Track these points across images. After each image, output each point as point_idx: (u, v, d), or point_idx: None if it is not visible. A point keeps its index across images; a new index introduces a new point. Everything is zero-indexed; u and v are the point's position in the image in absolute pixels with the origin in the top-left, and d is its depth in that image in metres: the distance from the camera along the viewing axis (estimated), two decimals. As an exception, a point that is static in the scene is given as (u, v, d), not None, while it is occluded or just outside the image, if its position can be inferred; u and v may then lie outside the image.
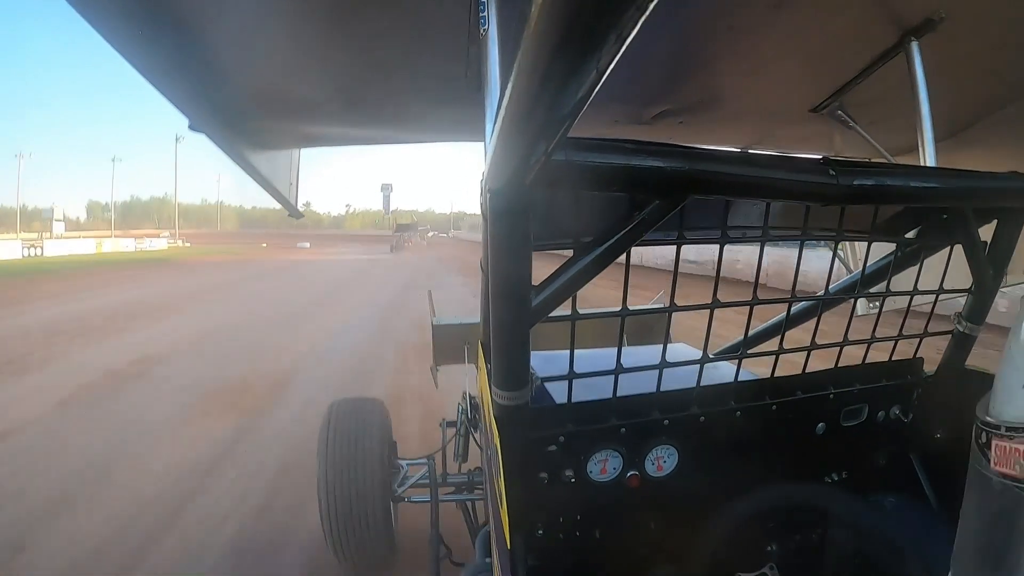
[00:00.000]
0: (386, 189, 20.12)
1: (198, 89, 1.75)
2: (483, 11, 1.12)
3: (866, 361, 1.60)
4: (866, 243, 1.42)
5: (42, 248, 34.50)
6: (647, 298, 3.65)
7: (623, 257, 1.06)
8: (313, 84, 1.87)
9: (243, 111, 1.98)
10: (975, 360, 1.62)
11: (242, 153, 2.09)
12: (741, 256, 14.31)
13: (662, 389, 1.39)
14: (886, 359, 1.64)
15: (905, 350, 1.64)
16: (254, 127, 2.11)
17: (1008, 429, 0.75)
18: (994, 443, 0.77)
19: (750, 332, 1.47)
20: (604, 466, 1.40)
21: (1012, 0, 1.39)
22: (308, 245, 51.77)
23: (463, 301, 13.18)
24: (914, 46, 1.46)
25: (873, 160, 1.84)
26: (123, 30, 1.40)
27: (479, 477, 2.85)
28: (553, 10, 0.39)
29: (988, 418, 0.79)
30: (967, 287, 1.49)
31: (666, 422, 1.42)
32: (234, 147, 2.04)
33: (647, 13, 0.38)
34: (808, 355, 1.50)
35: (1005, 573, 0.76)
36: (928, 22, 1.41)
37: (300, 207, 2.81)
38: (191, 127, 1.91)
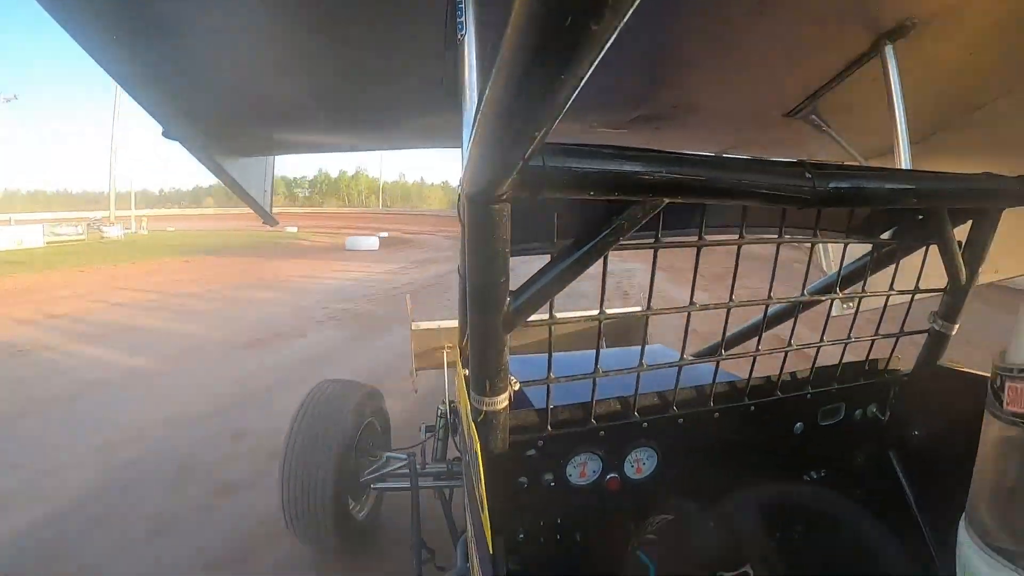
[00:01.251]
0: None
1: (172, 97, 1.73)
2: (460, 16, 1.12)
3: (843, 361, 1.62)
4: (842, 244, 1.43)
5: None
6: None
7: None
8: (288, 91, 1.85)
9: (217, 119, 1.96)
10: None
11: (216, 161, 2.08)
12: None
13: (641, 391, 1.39)
14: (863, 359, 1.66)
15: (883, 350, 1.66)
16: (228, 134, 2.09)
17: (1020, 371, 0.82)
18: (1008, 385, 0.83)
19: (727, 334, 1.48)
20: (583, 469, 1.40)
21: (985, 4, 1.41)
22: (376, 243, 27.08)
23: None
24: (888, 50, 1.48)
25: (849, 163, 1.86)
26: (97, 36, 1.38)
27: (458, 467, 2.84)
28: (531, 16, 0.38)
29: (1003, 363, 0.85)
30: (942, 287, 1.51)
31: (645, 424, 1.42)
32: (208, 154, 2.03)
33: (625, 19, 0.37)
34: (785, 356, 1.51)
35: (1019, 503, 0.83)
36: (902, 27, 1.42)
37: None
38: (165, 134, 1.89)
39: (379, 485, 3.03)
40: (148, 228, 41.32)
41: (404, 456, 2.95)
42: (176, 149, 1.98)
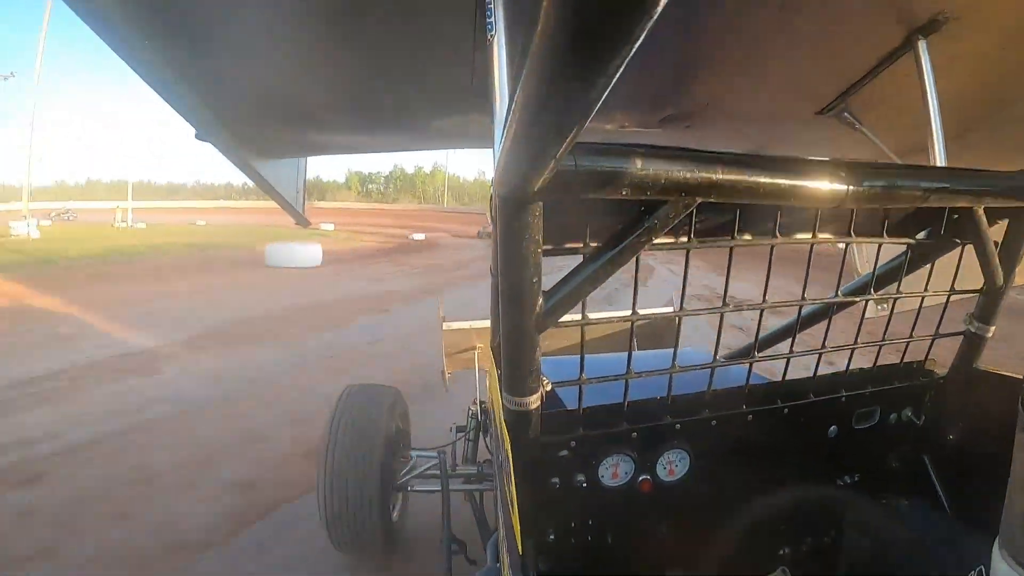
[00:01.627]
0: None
1: (204, 99, 1.76)
2: (490, 16, 1.12)
3: (878, 363, 1.59)
4: (876, 245, 1.41)
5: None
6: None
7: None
8: (319, 93, 1.87)
9: (249, 121, 1.99)
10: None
11: (248, 162, 2.11)
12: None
13: (673, 393, 1.38)
14: (898, 361, 1.63)
15: (919, 353, 1.63)
16: (260, 136, 2.12)
17: None
18: None
19: (761, 335, 1.47)
20: (616, 471, 1.39)
21: None
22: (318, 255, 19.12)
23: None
24: (921, 46, 1.46)
25: (882, 161, 1.84)
26: (129, 41, 1.41)
27: (488, 469, 2.84)
28: (561, 16, 0.39)
29: None
30: (978, 287, 1.48)
31: (677, 426, 1.42)
32: (240, 156, 2.06)
33: (655, 18, 0.37)
34: (819, 358, 1.49)
35: None
36: (934, 21, 1.40)
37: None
38: (197, 136, 1.92)
39: (415, 487, 3.01)
40: (130, 221, 35.32)
41: (434, 455, 2.94)
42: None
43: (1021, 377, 1.49)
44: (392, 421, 2.99)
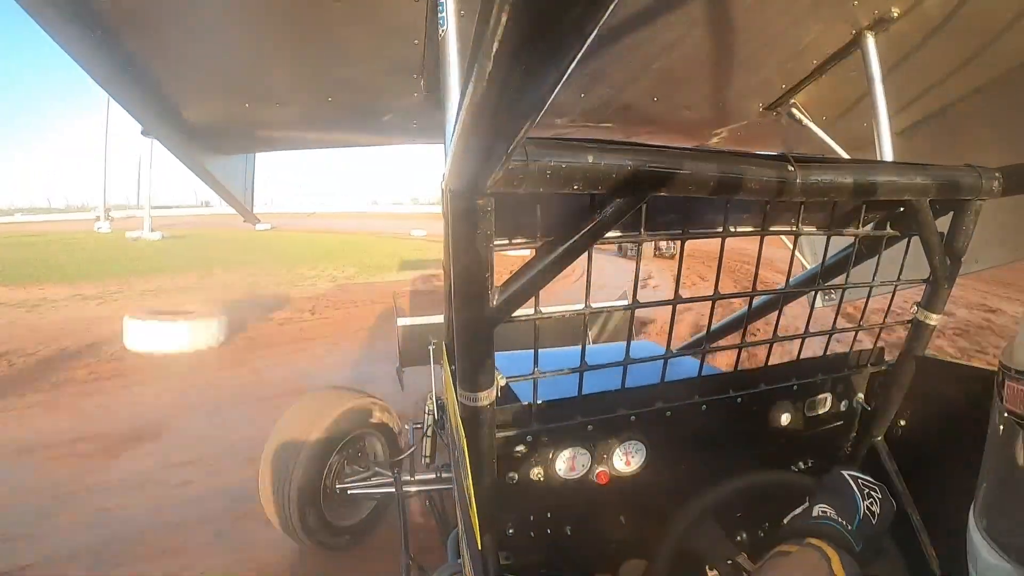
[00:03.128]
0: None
1: (150, 94, 1.71)
2: (441, 11, 1.11)
3: (827, 352, 1.63)
4: (824, 237, 1.44)
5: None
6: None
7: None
8: (268, 87, 1.84)
9: (195, 116, 1.95)
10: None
11: (196, 158, 2.06)
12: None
13: (628, 385, 1.39)
14: (847, 350, 1.67)
15: (868, 343, 1.67)
16: (207, 132, 2.07)
17: (1017, 372, 0.83)
18: (1006, 383, 0.85)
19: (712, 327, 1.49)
20: (572, 463, 1.40)
21: None
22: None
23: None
24: (869, 43, 1.49)
25: (829, 156, 1.88)
26: (74, 34, 1.36)
27: (447, 472, 2.86)
28: (512, 10, 0.38)
29: (1004, 361, 0.87)
30: (925, 277, 1.52)
31: (632, 418, 1.43)
32: (187, 152, 2.01)
33: (607, 13, 0.37)
34: (770, 348, 1.52)
35: (1015, 498, 0.85)
36: (881, 20, 1.43)
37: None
38: (143, 133, 1.87)
39: (358, 491, 3.12)
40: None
41: (389, 474, 3.02)
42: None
43: (967, 364, 1.54)
44: (348, 428, 3.09)
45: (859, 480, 1.24)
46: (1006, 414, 0.85)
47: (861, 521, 1.16)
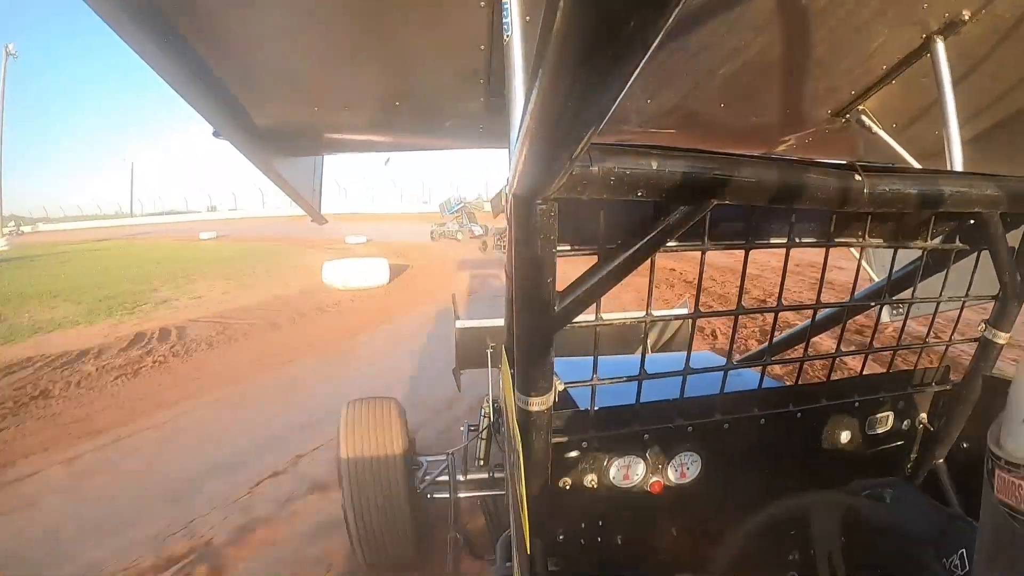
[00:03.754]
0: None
1: (222, 97, 1.77)
2: (506, 17, 1.13)
3: (891, 369, 1.58)
4: (892, 249, 1.41)
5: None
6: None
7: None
8: (336, 92, 1.88)
9: (267, 118, 2.00)
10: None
11: (266, 160, 2.12)
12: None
13: (686, 396, 1.38)
14: (912, 367, 1.62)
15: (935, 358, 1.62)
16: (278, 134, 2.13)
17: (1008, 463, 0.79)
18: (996, 472, 0.81)
19: (775, 339, 1.46)
20: (627, 472, 1.39)
21: None
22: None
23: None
24: (939, 48, 1.45)
25: (898, 165, 1.83)
26: (149, 39, 1.42)
27: (501, 474, 2.85)
28: (577, 16, 0.39)
29: (992, 447, 0.83)
30: (994, 293, 1.47)
31: (690, 429, 1.41)
32: (258, 154, 2.07)
33: (672, 18, 0.38)
34: (833, 362, 1.48)
35: None
36: (952, 23, 1.39)
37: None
38: (215, 134, 1.94)
39: (435, 495, 3.00)
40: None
41: (442, 457, 2.96)
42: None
43: None
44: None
45: None
46: (995, 502, 0.81)
47: None
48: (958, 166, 1.49)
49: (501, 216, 1.05)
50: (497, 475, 2.88)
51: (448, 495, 2.77)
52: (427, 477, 3.00)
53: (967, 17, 1.38)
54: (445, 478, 2.93)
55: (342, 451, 2.82)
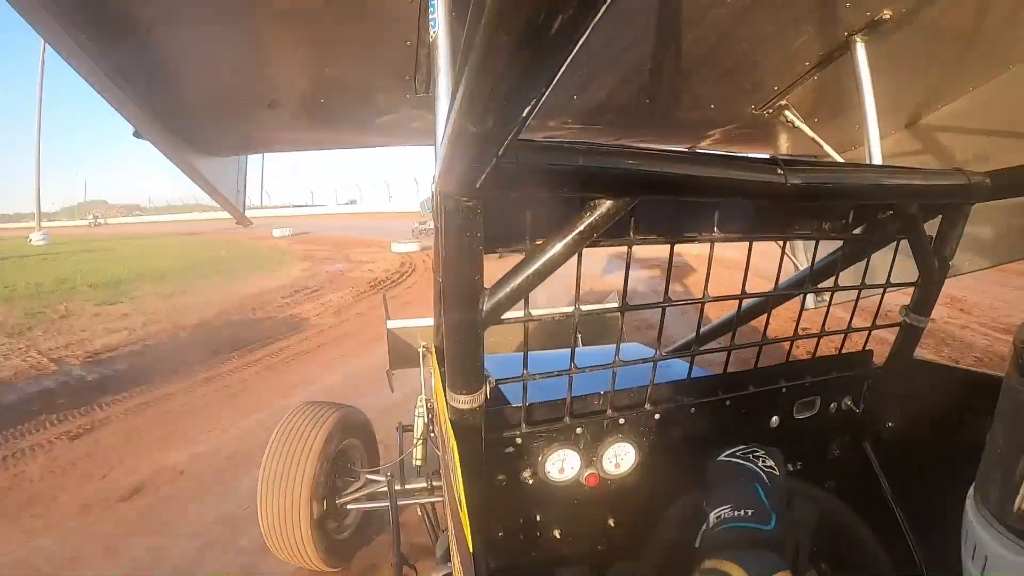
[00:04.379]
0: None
1: (142, 96, 1.70)
2: (432, 12, 1.11)
3: (817, 355, 1.63)
4: (813, 241, 1.44)
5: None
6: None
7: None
8: (259, 88, 1.83)
9: (188, 117, 1.93)
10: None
11: (188, 160, 2.05)
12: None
13: (617, 388, 1.39)
14: (836, 353, 1.67)
15: (857, 346, 1.68)
16: (199, 133, 2.06)
17: None
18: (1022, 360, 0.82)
19: (702, 329, 1.49)
20: (562, 466, 1.40)
21: (952, 1, 1.42)
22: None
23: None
24: (859, 46, 1.49)
25: (820, 158, 1.88)
26: (67, 36, 1.35)
27: (438, 481, 2.85)
28: (503, 12, 0.38)
29: (1020, 335, 0.84)
30: (913, 280, 1.53)
31: (622, 420, 1.43)
32: (179, 154, 2.00)
33: (598, 16, 0.37)
34: (759, 350, 1.52)
35: None
36: (872, 23, 1.43)
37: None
38: (135, 135, 1.86)
39: (356, 506, 3.09)
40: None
41: (382, 478, 2.98)
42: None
43: (956, 367, 1.55)
44: (337, 439, 3.04)
45: (736, 454, 1.23)
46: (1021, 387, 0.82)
47: (767, 489, 1.13)
48: (877, 159, 1.54)
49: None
50: (435, 482, 2.89)
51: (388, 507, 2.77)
52: (363, 490, 3.07)
53: (888, 17, 1.42)
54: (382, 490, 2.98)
55: (268, 448, 2.88)
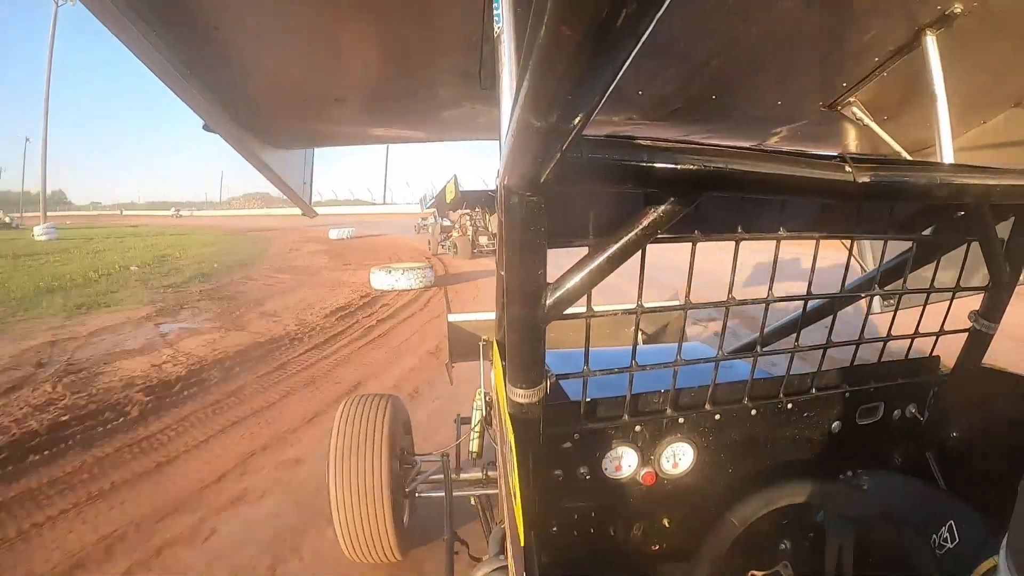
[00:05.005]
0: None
1: (212, 90, 1.77)
2: (497, 8, 1.13)
3: (882, 359, 1.59)
4: (882, 241, 1.41)
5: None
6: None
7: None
8: (328, 82, 1.88)
9: (257, 111, 2.00)
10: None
11: (256, 153, 2.11)
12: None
13: (678, 387, 1.39)
14: (903, 358, 1.63)
15: (925, 349, 1.63)
16: (268, 127, 2.13)
17: None
18: None
19: (766, 330, 1.47)
20: (619, 463, 1.40)
21: None
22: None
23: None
24: (929, 41, 1.45)
25: (889, 156, 1.83)
26: (138, 32, 1.41)
27: (494, 471, 2.86)
28: (567, 7, 0.39)
29: None
30: (984, 285, 1.48)
31: (681, 420, 1.42)
32: (248, 147, 2.06)
33: (662, 10, 0.38)
34: (823, 353, 1.49)
35: None
36: (943, 17, 1.39)
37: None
38: (205, 127, 1.93)
39: (422, 493, 3.07)
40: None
41: (437, 458, 2.97)
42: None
43: (1022, 373, 1.49)
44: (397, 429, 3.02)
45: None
46: None
47: None
48: (948, 158, 1.49)
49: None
50: (491, 473, 2.88)
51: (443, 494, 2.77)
52: (418, 477, 3.04)
53: (959, 10, 1.38)
54: (439, 476, 2.93)
55: (332, 449, 2.83)
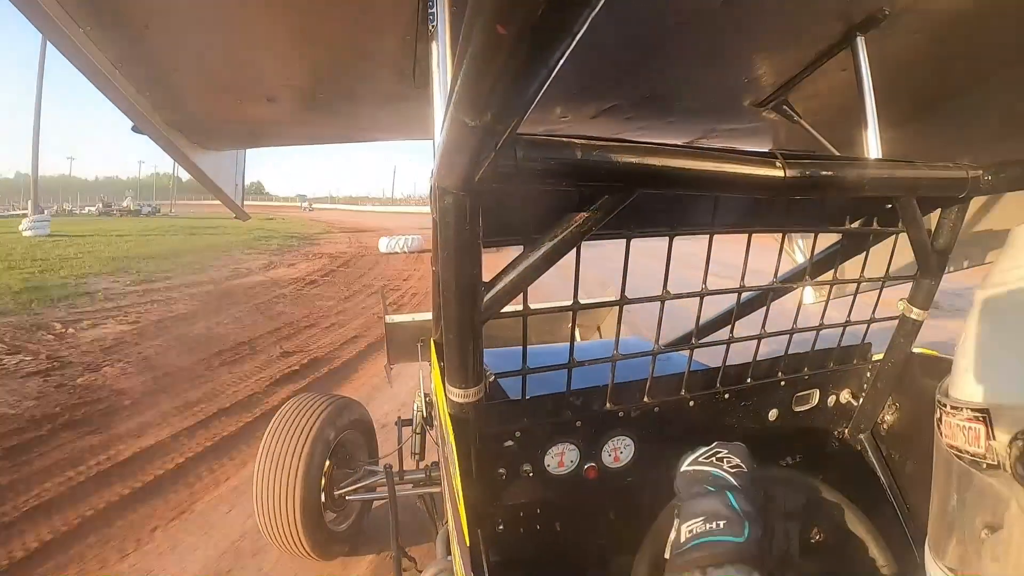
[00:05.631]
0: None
1: (141, 91, 1.70)
2: (432, 7, 1.11)
3: (815, 348, 1.63)
4: (813, 234, 1.45)
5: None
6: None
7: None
8: (258, 83, 1.83)
9: (185, 112, 1.94)
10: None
11: (185, 154, 2.05)
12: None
13: (616, 381, 1.40)
14: (835, 346, 1.68)
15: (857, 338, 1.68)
16: (198, 128, 2.07)
17: (951, 407, 0.85)
18: (943, 419, 0.87)
19: (700, 322, 1.49)
20: (561, 459, 1.40)
21: None
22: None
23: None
24: (859, 41, 1.49)
25: (819, 153, 1.88)
26: (62, 29, 1.35)
27: (436, 471, 2.86)
28: (502, 6, 0.38)
29: (939, 397, 0.89)
30: (913, 274, 1.53)
31: (620, 414, 1.44)
32: (177, 148, 2.00)
33: (596, 9, 0.38)
34: (758, 343, 1.52)
35: (958, 532, 0.85)
36: (872, 18, 1.43)
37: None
38: (134, 129, 1.86)
39: (355, 497, 3.12)
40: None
41: (380, 468, 2.98)
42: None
43: (951, 357, 1.55)
44: (334, 432, 3.04)
45: (700, 459, 1.18)
46: (945, 448, 0.87)
47: (737, 494, 1.08)
48: (875, 154, 1.54)
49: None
50: (434, 473, 2.90)
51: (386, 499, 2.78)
52: (361, 482, 3.10)
53: (887, 12, 1.41)
54: (373, 481, 3.03)
55: (262, 442, 2.89)
